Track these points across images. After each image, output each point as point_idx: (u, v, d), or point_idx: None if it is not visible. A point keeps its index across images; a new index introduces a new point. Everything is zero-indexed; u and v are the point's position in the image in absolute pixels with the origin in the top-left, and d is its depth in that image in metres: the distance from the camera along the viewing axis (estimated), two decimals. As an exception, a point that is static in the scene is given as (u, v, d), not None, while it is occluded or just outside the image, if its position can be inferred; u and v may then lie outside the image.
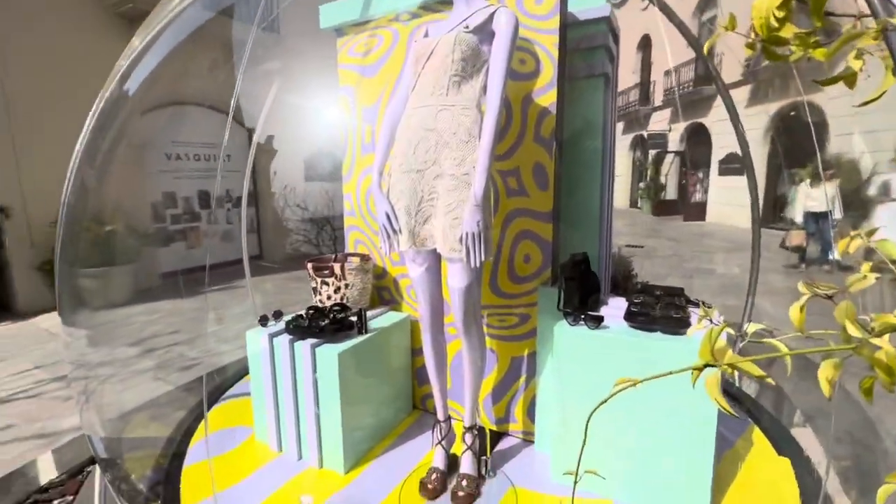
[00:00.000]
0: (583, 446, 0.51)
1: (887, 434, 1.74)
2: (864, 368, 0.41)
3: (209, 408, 2.15)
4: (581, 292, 1.60)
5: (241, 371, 2.43)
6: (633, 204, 14.09)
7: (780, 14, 0.64)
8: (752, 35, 0.67)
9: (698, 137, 11.72)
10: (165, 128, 5.83)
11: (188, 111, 6.06)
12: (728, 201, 10.12)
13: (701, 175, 11.74)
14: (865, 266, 0.40)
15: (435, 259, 1.45)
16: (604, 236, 1.97)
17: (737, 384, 2.35)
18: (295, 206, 6.49)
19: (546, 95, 1.64)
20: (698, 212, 11.09)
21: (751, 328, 0.46)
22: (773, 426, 1.93)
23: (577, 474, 0.52)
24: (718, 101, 2.73)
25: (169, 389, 2.69)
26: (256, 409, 1.86)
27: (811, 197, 5.77)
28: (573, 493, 0.53)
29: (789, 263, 5.66)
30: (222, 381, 2.41)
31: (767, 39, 0.65)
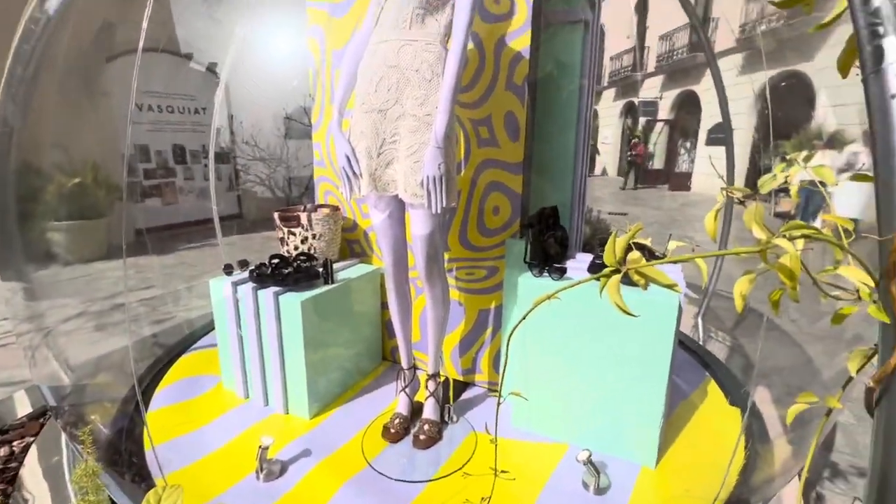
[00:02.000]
0: (504, 367, 0.50)
1: (824, 386, 1.83)
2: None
3: (177, 358, 2.14)
4: (547, 245, 1.59)
5: (212, 324, 2.42)
6: (621, 172, 14.06)
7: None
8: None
9: (689, 106, 11.60)
10: (137, 76, 5.52)
11: (161, 60, 5.73)
12: (713, 171, 10.15)
13: (689, 144, 11.71)
14: (778, 168, 0.38)
15: (398, 205, 1.42)
16: (577, 190, 1.95)
17: (700, 341, 2.42)
18: (243, 142, 6.24)
19: (520, 39, 1.57)
20: (684, 181, 11.12)
21: (671, 244, 0.45)
22: (728, 380, 2.01)
23: (499, 395, 0.52)
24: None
25: (136, 341, 2.67)
26: (222, 357, 1.86)
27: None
28: (496, 416, 0.53)
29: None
30: (193, 331, 2.40)
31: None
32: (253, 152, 6.29)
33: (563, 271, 1.49)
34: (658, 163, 12.75)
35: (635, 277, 0.40)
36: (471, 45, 1.61)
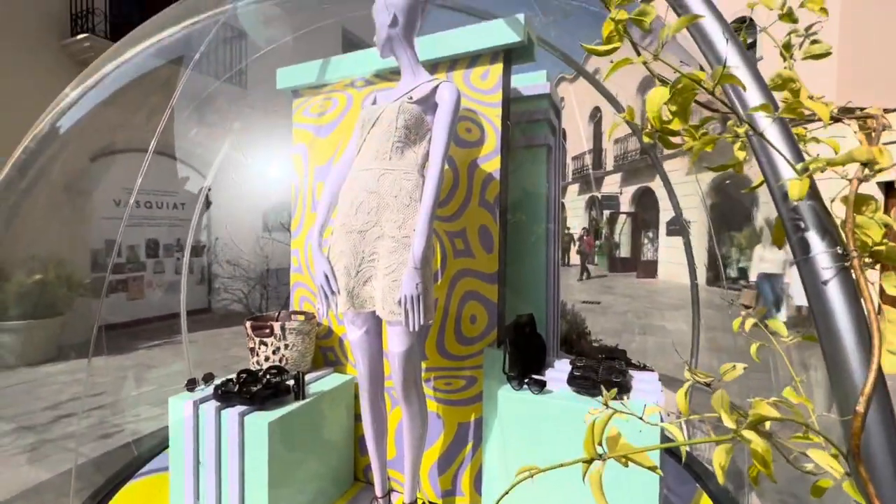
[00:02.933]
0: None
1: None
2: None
3: (122, 484, 1.91)
4: (525, 355, 1.59)
5: (165, 441, 2.21)
6: (590, 261, 14.64)
7: (672, 108, 0.70)
8: (649, 125, 0.73)
9: (647, 200, 12.56)
10: (117, 174, 5.64)
11: (142, 158, 5.92)
12: (677, 260, 10.72)
13: (651, 234, 12.46)
14: (735, 324, 0.41)
15: (375, 322, 1.41)
16: (550, 299, 2.00)
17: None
18: (226, 262, 6.25)
19: (490, 162, 1.72)
20: (650, 269, 11.63)
21: (647, 411, 0.46)
22: (719, 490, 1.92)
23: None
24: (664, 166, 3.03)
25: (80, 462, 2.38)
26: (174, 486, 1.67)
27: (764, 259, 6.00)
28: None
29: None
30: (142, 453, 2.17)
31: (661, 130, 0.71)
32: (233, 271, 6.29)
33: (542, 384, 1.47)
34: (625, 252, 13.41)
35: (615, 457, 0.40)
36: (447, 167, 1.75)
